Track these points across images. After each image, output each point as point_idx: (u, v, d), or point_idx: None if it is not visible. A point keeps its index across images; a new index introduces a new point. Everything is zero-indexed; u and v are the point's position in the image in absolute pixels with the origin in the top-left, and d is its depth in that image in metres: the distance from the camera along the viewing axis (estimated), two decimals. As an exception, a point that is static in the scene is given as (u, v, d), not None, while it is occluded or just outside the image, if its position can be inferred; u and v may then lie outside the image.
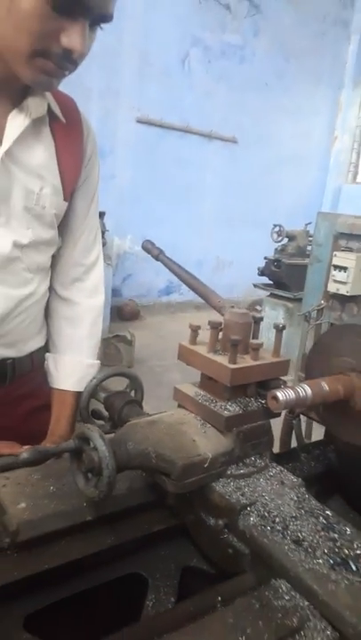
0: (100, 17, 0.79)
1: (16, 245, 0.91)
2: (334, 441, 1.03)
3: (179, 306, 6.27)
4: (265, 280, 4.34)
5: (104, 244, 4.64)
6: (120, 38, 5.05)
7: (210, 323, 0.75)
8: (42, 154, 0.92)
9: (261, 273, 4.20)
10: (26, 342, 1.02)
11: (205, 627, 0.54)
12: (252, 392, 0.75)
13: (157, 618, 0.61)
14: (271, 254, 4.28)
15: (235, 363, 0.71)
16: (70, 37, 0.76)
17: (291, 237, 4.14)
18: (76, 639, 0.67)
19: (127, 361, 4.05)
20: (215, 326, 0.74)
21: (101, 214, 4.62)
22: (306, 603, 0.58)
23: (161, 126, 5.65)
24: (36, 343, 1.06)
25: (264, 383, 0.76)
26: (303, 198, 7.20)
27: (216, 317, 0.82)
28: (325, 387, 0.76)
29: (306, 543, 0.62)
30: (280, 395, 0.70)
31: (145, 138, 5.54)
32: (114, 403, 0.99)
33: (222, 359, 0.72)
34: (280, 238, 4.13)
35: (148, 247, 0.88)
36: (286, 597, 0.59)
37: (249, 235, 6.52)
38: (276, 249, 4.20)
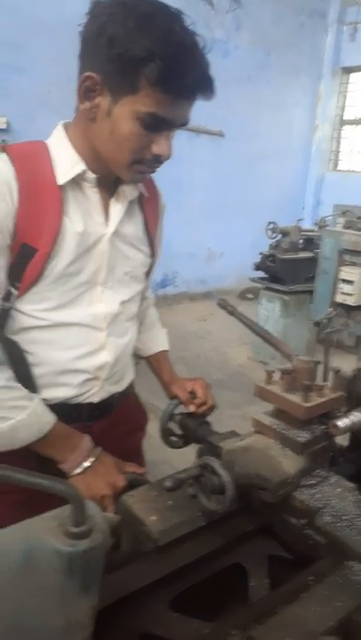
0: (181, 125, 0.99)
1: (121, 303, 1.13)
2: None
3: (174, 298, 6.48)
4: (260, 274, 4.56)
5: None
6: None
7: (283, 370, 0.97)
8: (135, 226, 1.14)
9: (257, 268, 4.43)
10: (125, 378, 1.24)
11: (312, 598, 0.78)
12: (315, 421, 0.98)
13: (272, 596, 0.84)
14: (265, 248, 4.51)
15: (307, 401, 0.94)
16: (160, 146, 0.97)
17: (284, 233, 4.37)
18: (207, 614, 0.89)
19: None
20: (288, 372, 0.97)
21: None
22: (376, 576, 0.82)
23: (150, 124, 5.78)
24: (130, 377, 1.28)
25: (325, 413, 1.00)
26: (288, 188, 7.43)
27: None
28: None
29: (369, 534, 0.86)
30: (340, 423, 0.93)
31: (135, 137, 5.67)
32: (188, 424, 1.22)
33: (296, 398, 0.95)
34: (274, 235, 4.35)
35: (222, 304, 1.10)
36: (360, 573, 0.83)
37: (237, 226, 6.74)
38: (270, 244, 4.43)
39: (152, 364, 1.39)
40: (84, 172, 1.02)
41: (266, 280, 4.49)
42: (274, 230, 4.33)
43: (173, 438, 1.27)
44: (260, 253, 4.41)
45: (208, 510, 0.89)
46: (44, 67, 4.78)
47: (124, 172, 1.02)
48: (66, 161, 1.01)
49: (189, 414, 1.24)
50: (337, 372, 0.99)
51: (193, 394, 1.25)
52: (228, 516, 0.98)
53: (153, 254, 1.22)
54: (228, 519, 0.98)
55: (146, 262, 1.20)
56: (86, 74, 0.92)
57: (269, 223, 4.36)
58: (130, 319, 1.21)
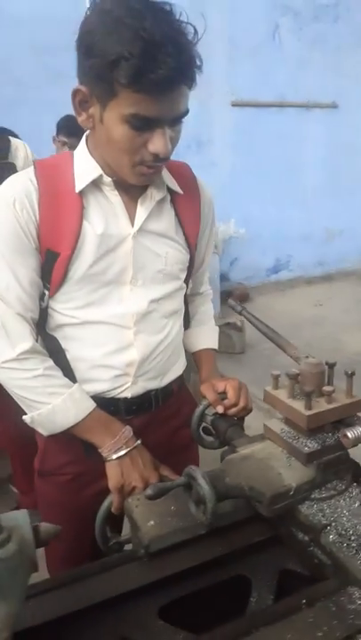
0: (175, 119, 0.97)
1: (152, 301, 1.14)
2: None
3: (289, 283, 6.27)
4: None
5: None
6: (207, 26, 5.09)
7: (287, 374, 0.90)
8: (166, 222, 1.14)
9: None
10: (165, 375, 1.24)
11: (291, 624, 0.72)
12: (328, 429, 0.89)
13: (253, 615, 0.80)
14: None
15: (310, 409, 0.86)
16: (154, 144, 0.95)
17: None
18: (197, 626, 0.87)
19: (239, 347, 4.23)
20: (292, 377, 0.89)
21: (204, 204, 4.78)
22: (375, 608, 0.73)
23: (256, 106, 5.62)
24: (174, 374, 1.27)
25: (341, 420, 0.90)
26: None
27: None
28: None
29: (375, 559, 0.77)
30: (349, 433, 0.84)
31: (241, 120, 5.55)
32: (219, 426, 1.19)
33: (300, 405, 0.87)
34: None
35: (232, 304, 1.05)
36: (359, 602, 0.74)
37: (357, 202, 6.31)
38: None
39: (195, 360, 1.38)
40: (101, 177, 1.05)
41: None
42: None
43: (210, 438, 1.24)
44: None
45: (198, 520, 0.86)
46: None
47: (129, 175, 1.02)
48: (84, 168, 1.06)
49: (222, 415, 1.20)
50: (351, 374, 0.89)
51: (224, 394, 1.21)
52: (237, 525, 0.94)
53: (191, 250, 1.21)
54: (236, 528, 0.94)
55: (181, 259, 1.19)
56: (75, 88, 0.96)
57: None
58: (168, 316, 1.21)
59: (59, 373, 1.12)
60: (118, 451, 1.11)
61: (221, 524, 0.92)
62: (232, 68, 5.37)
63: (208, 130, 5.38)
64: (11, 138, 2.20)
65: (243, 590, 0.89)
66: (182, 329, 1.29)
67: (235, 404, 1.19)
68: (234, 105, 5.50)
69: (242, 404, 1.19)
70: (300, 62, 5.71)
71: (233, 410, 1.19)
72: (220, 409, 1.18)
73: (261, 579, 0.90)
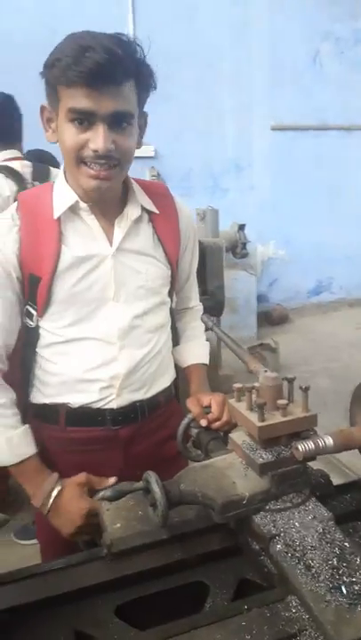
0: (116, 118, 1.04)
1: (135, 317, 1.21)
2: None
3: (331, 305, 6.21)
4: None
5: (245, 256, 4.86)
6: (249, 53, 5.24)
7: (245, 387, 0.94)
8: (143, 240, 1.22)
9: None
10: (150, 386, 1.29)
11: (224, 626, 0.75)
12: (284, 441, 0.93)
13: (196, 617, 0.83)
14: None
15: (263, 421, 0.90)
16: (93, 140, 1.03)
17: None
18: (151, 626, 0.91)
19: (273, 368, 4.20)
20: (249, 390, 0.94)
21: (242, 227, 4.84)
22: (307, 616, 0.75)
23: (296, 129, 5.68)
24: (161, 385, 1.32)
25: (297, 433, 0.93)
26: None
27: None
28: (355, 435, 0.91)
29: (314, 569, 0.79)
30: (300, 447, 0.87)
31: (281, 144, 5.63)
32: (202, 439, 1.23)
33: (255, 417, 0.91)
34: None
35: (204, 320, 1.10)
36: (293, 610, 0.77)
37: None
38: None
39: (186, 375, 1.43)
40: (77, 203, 1.14)
41: None
42: None
43: (198, 451, 1.28)
44: None
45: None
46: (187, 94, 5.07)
47: (77, 176, 1.09)
48: (62, 196, 1.16)
49: (207, 429, 1.24)
50: (306, 389, 0.92)
51: (209, 408, 1.25)
52: (199, 532, 0.98)
53: (172, 266, 1.27)
54: (198, 535, 0.97)
55: (162, 274, 1.25)
56: (40, 105, 1.09)
57: None
58: (153, 330, 1.27)
59: (8, 412, 1.18)
60: (44, 507, 1.15)
61: (184, 531, 0.96)
62: (273, 93, 5.48)
63: (248, 154, 5.48)
64: (51, 168, 2.35)
65: (202, 596, 0.93)
66: (170, 342, 1.35)
67: (218, 419, 1.23)
68: (273, 129, 5.58)
69: (225, 418, 1.23)
70: (342, 85, 5.74)
71: (216, 424, 1.22)
72: (203, 422, 1.22)
73: (219, 586, 0.93)
